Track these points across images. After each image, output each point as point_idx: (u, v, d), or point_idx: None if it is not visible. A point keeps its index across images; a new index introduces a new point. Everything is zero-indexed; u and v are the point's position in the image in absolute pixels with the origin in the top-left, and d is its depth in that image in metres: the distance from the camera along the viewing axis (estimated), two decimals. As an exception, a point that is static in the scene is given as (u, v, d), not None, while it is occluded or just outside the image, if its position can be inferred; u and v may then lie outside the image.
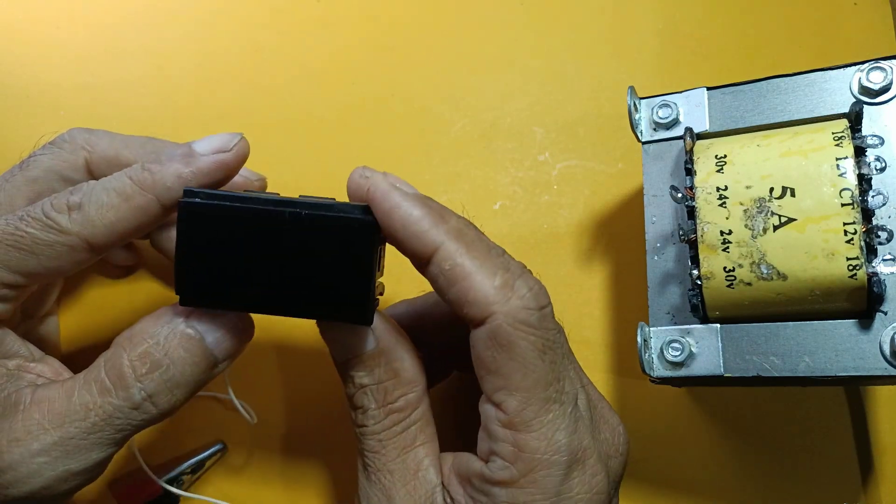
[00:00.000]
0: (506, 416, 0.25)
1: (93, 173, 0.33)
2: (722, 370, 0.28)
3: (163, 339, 0.27)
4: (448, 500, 0.26)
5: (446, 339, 0.31)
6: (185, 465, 0.36)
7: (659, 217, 0.31)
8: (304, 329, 0.36)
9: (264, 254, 0.26)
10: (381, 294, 0.28)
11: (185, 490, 0.36)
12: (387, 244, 0.27)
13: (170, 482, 0.35)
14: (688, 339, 0.29)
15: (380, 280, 0.28)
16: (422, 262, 0.25)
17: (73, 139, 0.33)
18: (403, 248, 0.26)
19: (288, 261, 0.26)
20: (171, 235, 0.36)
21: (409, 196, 0.26)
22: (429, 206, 0.26)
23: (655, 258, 0.31)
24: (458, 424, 0.35)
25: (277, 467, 0.37)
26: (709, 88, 0.31)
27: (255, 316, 0.28)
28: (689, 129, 0.30)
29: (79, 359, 0.38)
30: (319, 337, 0.29)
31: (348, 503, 0.37)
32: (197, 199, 0.26)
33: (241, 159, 0.29)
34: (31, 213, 0.27)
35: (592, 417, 0.27)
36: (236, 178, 0.33)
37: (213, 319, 0.27)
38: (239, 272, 0.26)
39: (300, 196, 0.27)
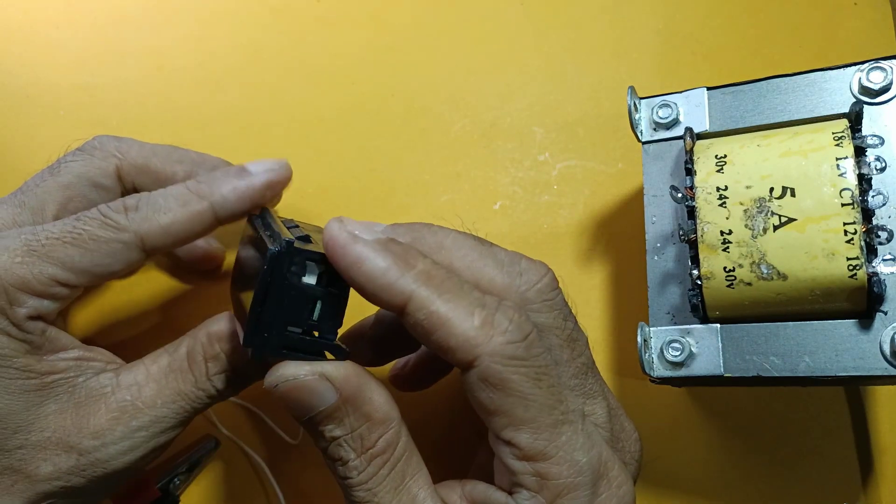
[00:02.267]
0: (520, 450, 0.24)
1: (123, 180, 0.34)
2: (722, 370, 0.28)
3: (231, 350, 0.29)
4: None
5: None
6: (179, 466, 0.36)
7: (659, 217, 0.31)
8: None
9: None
10: (329, 351, 0.26)
11: (181, 490, 0.36)
12: (346, 302, 0.26)
13: (165, 484, 0.35)
14: (688, 339, 0.29)
15: (339, 340, 0.26)
16: (397, 312, 0.24)
17: (104, 146, 0.33)
18: (374, 301, 0.25)
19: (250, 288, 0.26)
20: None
21: (371, 245, 0.24)
22: (392, 253, 0.24)
23: (655, 258, 0.31)
24: (453, 424, 0.35)
25: (274, 461, 0.37)
26: (709, 88, 0.31)
27: None
28: (689, 129, 0.30)
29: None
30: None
31: None
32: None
33: (286, 181, 0.32)
34: (88, 214, 0.29)
35: (612, 428, 0.27)
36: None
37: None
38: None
39: (297, 224, 0.29)
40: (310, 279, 0.25)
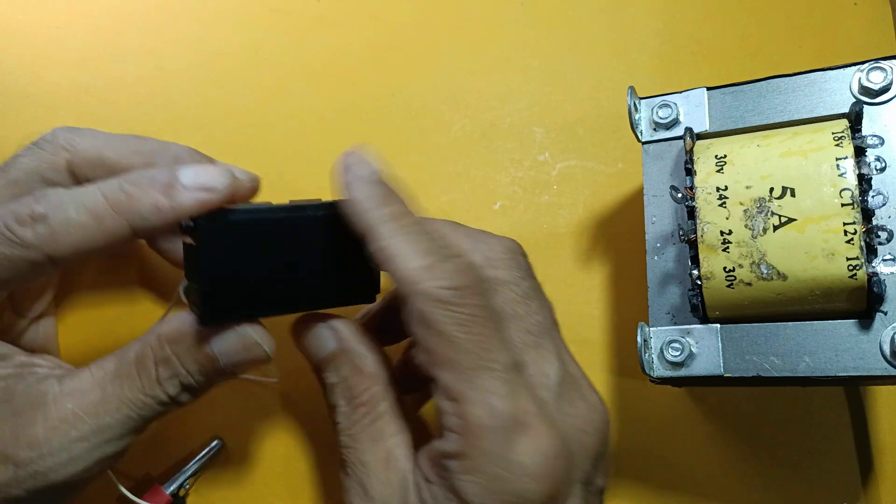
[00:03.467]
0: (442, 389, 0.25)
1: (75, 174, 0.32)
2: (722, 370, 0.28)
3: (182, 351, 0.28)
4: (421, 482, 0.27)
5: None
6: (187, 470, 0.36)
7: (659, 217, 0.31)
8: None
9: (283, 258, 0.28)
10: None
11: (189, 493, 0.36)
12: None
13: (176, 490, 0.35)
14: (688, 339, 0.29)
15: None
16: (363, 240, 0.27)
17: (55, 139, 0.31)
18: (353, 227, 0.27)
19: (304, 260, 0.28)
20: (172, 238, 0.36)
21: (359, 178, 0.27)
22: (375, 187, 0.27)
23: (655, 258, 0.31)
24: None
25: (279, 461, 0.37)
26: (709, 88, 0.31)
27: None
28: (689, 129, 0.30)
29: (76, 359, 0.38)
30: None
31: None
32: (217, 220, 0.26)
33: (229, 199, 0.28)
34: None
35: (562, 392, 0.28)
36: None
37: (231, 341, 0.28)
38: (258, 281, 0.27)
39: (290, 201, 0.29)
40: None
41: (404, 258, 0.26)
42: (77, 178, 0.32)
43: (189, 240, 0.27)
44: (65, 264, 0.27)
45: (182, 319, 0.28)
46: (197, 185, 0.27)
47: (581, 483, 0.27)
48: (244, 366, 0.29)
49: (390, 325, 0.33)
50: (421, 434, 0.29)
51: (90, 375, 0.28)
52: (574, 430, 0.27)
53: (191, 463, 0.36)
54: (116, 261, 0.40)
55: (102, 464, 0.28)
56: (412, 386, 0.35)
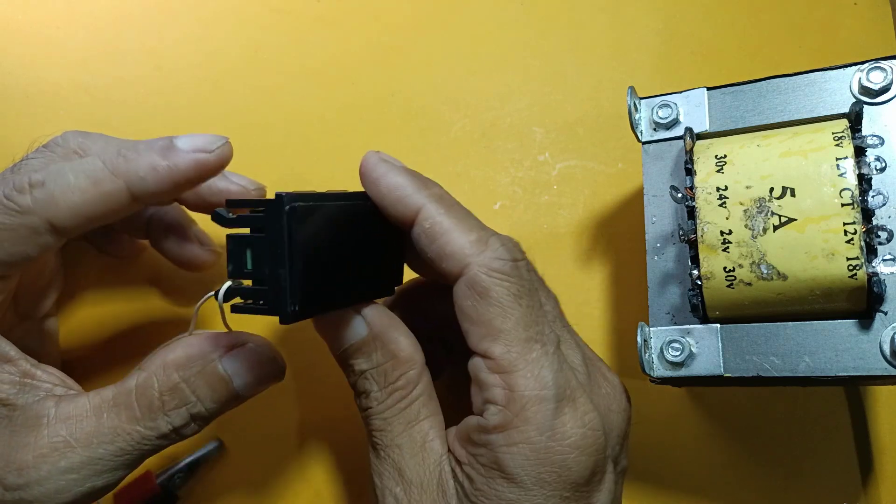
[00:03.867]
0: (493, 360, 0.25)
1: None
2: (722, 370, 0.28)
3: (193, 376, 0.27)
4: (454, 464, 0.27)
5: (440, 320, 0.32)
6: (180, 465, 0.36)
7: (659, 217, 0.31)
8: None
9: (344, 246, 0.27)
10: None
11: (182, 489, 0.36)
12: None
13: (166, 480, 0.35)
14: (688, 339, 0.29)
15: None
16: (406, 224, 0.27)
17: (67, 143, 0.31)
18: (390, 214, 0.27)
19: (358, 250, 0.28)
20: (177, 240, 0.36)
21: (394, 167, 0.28)
22: (412, 175, 0.28)
23: (655, 258, 0.31)
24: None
25: (278, 461, 0.37)
26: (709, 88, 0.31)
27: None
28: (689, 129, 0.30)
29: (78, 360, 0.38)
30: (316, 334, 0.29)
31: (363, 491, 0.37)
32: (297, 203, 0.24)
33: (223, 163, 0.29)
34: None
35: (589, 372, 0.28)
36: (231, 188, 0.33)
37: (245, 360, 0.28)
38: (328, 271, 0.26)
39: (328, 191, 0.27)
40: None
41: (458, 232, 0.26)
42: None
43: (237, 230, 0.25)
44: (66, 233, 0.27)
45: (190, 343, 0.28)
46: (193, 147, 0.28)
47: (612, 460, 0.27)
48: (259, 386, 0.29)
49: (416, 306, 0.33)
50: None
51: (87, 402, 0.27)
52: (603, 408, 0.27)
53: (185, 457, 0.36)
54: (119, 262, 0.40)
55: (91, 496, 0.27)
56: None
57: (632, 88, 0.32)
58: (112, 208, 0.27)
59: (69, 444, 0.26)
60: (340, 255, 0.27)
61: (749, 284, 0.27)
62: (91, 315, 0.39)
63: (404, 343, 0.28)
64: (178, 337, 0.29)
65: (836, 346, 0.27)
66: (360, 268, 0.28)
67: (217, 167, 0.29)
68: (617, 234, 0.39)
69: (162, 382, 0.27)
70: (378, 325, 0.28)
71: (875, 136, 0.27)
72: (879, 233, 0.26)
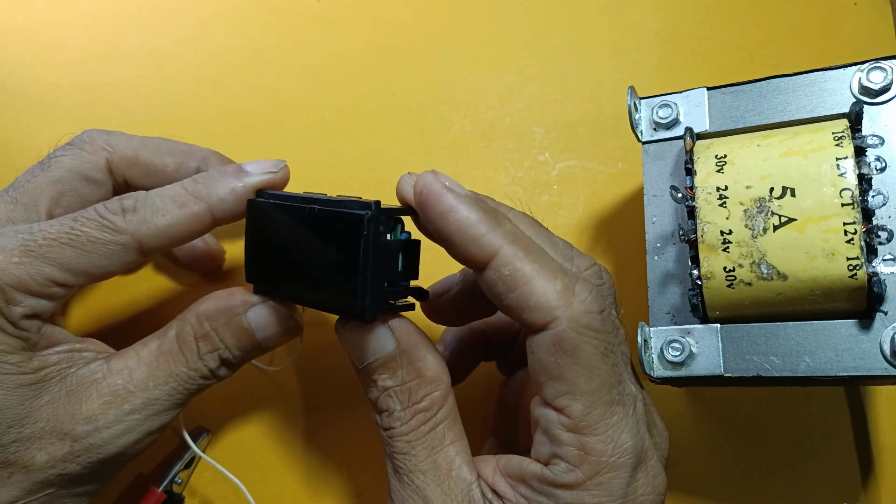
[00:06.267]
0: (570, 420, 0.24)
1: (113, 173, 0.34)
2: (722, 370, 0.28)
3: (221, 326, 0.30)
4: (491, 496, 0.26)
5: (467, 331, 0.32)
6: (176, 464, 0.36)
7: (659, 217, 0.31)
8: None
9: (294, 247, 0.28)
10: (412, 296, 0.28)
11: (184, 486, 0.36)
12: (420, 248, 0.28)
13: (168, 485, 0.35)
14: (688, 339, 0.29)
15: (415, 284, 0.28)
16: (478, 266, 0.25)
17: (93, 140, 0.33)
18: (457, 252, 0.25)
19: (308, 255, 0.27)
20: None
21: (463, 198, 0.25)
22: (484, 209, 0.25)
23: (655, 258, 0.31)
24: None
25: (264, 449, 0.37)
26: (709, 88, 0.31)
27: None
28: (689, 129, 0.30)
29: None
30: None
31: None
32: (260, 198, 0.29)
33: (286, 181, 0.32)
34: (85, 214, 0.29)
35: (647, 420, 0.27)
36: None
37: (266, 316, 0.30)
38: (282, 265, 0.28)
39: (338, 195, 0.28)
40: (394, 235, 0.27)
41: (541, 280, 0.24)
42: (115, 177, 0.34)
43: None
44: (152, 251, 0.29)
45: (219, 296, 0.30)
46: (261, 170, 0.31)
47: None
48: (279, 338, 0.30)
49: (457, 314, 0.32)
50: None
51: (136, 354, 0.30)
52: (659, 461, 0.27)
53: (178, 459, 0.36)
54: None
55: (151, 436, 0.30)
56: (446, 319, 0.33)
57: (632, 88, 0.32)
58: (195, 230, 0.30)
59: (129, 389, 0.29)
60: (290, 252, 0.28)
61: (749, 284, 0.27)
62: (91, 313, 0.39)
63: (431, 361, 0.27)
64: (212, 293, 0.31)
65: (836, 346, 0.27)
66: (312, 272, 0.27)
67: (280, 186, 0.31)
68: (617, 234, 0.39)
69: (196, 330, 0.30)
70: (406, 340, 0.27)
71: (875, 136, 0.27)
72: (879, 233, 0.26)
